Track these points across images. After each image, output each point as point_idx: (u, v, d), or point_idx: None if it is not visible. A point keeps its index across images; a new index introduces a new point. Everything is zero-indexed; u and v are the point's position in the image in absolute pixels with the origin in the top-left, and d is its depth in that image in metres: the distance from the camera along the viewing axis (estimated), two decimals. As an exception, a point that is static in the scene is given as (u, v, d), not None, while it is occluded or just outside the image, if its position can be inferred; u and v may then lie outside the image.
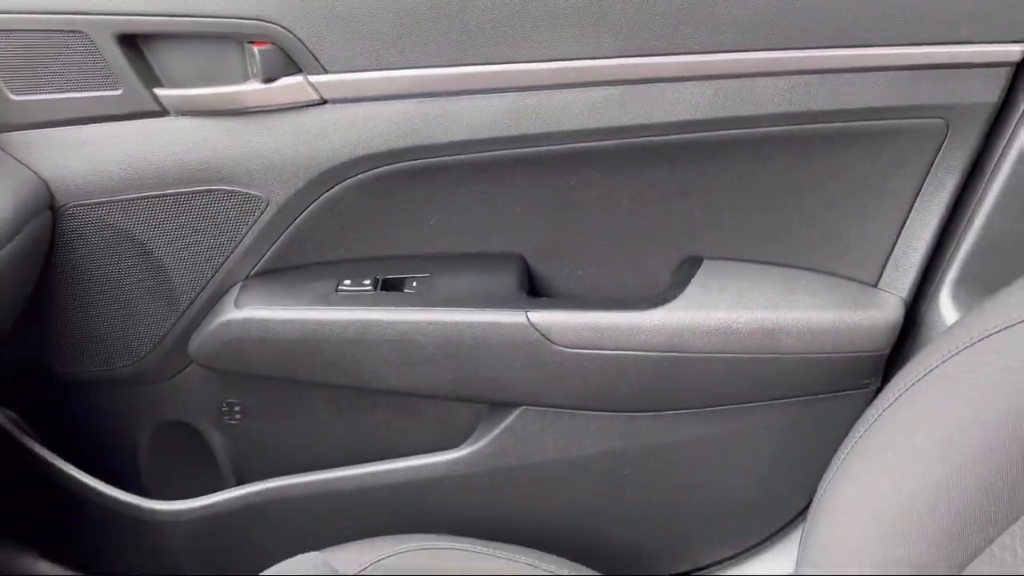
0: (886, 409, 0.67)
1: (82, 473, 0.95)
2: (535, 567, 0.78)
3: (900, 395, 0.66)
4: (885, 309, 0.81)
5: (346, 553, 0.77)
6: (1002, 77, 0.71)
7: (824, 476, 0.71)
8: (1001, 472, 0.58)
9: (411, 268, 0.86)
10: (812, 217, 0.81)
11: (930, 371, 0.64)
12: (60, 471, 0.96)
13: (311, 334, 0.83)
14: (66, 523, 1.01)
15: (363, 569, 0.75)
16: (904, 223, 0.79)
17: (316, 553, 0.77)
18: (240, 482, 0.97)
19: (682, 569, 1.00)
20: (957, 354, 0.62)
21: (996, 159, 0.75)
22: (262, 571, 0.74)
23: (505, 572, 0.77)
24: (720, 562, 0.99)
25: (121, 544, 1.00)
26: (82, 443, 0.97)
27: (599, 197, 0.82)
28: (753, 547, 0.98)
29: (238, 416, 0.95)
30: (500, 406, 0.90)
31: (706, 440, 0.88)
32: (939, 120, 0.74)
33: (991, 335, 0.60)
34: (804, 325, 0.80)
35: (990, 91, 0.72)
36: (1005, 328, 0.60)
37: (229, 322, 0.83)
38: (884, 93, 0.73)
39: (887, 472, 0.66)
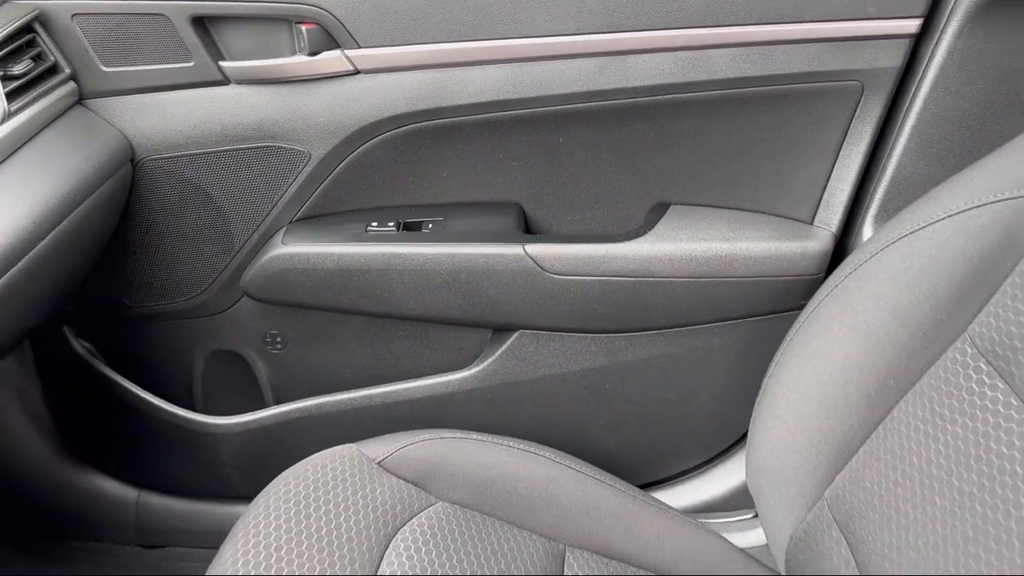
0: (813, 311, 0.83)
1: (148, 394, 1.11)
2: (532, 452, 0.93)
3: (823, 299, 0.82)
4: (818, 240, 0.97)
5: (374, 444, 0.93)
6: (904, 46, 0.88)
7: (766, 374, 0.86)
8: (897, 351, 0.73)
9: (427, 214, 1.03)
10: (757, 166, 0.97)
11: (846, 278, 0.80)
12: (129, 392, 1.12)
13: (346, 265, 0.99)
14: (130, 441, 1.17)
15: (389, 455, 0.90)
16: (832, 169, 0.96)
17: (349, 444, 0.92)
18: (279, 402, 1.13)
19: (656, 478, 1.16)
20: (865, 263, 0.78)
21: (903, 113, 0.91)
22: None
23: (506, 456, 0.93)
24: (688, 471, 1.15)
25: (178, 456, 1.16)
26: (146, 369, 1.13)
27: (583, 151, 0.98)
28: (715, 457, 1.14)
29: (279, 346, 1.11)
30: (501, 331, 1.06)
31: (672, 357, 1.04)
32: (856, 82, 0.90)
33: (890, 246, 0.76)
34: (751, 254, 0.96)
35: (895, 58, 0.88)
36: (899, 240, 0.76)
37: (278, 256, 1.00)
38: (811, 60, 0.89)
39: (813, 359, 0.82)
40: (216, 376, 1.13)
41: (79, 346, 1.11)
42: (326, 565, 0.77)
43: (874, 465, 0.74)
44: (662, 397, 1.07)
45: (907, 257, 0.75)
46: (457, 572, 0.80)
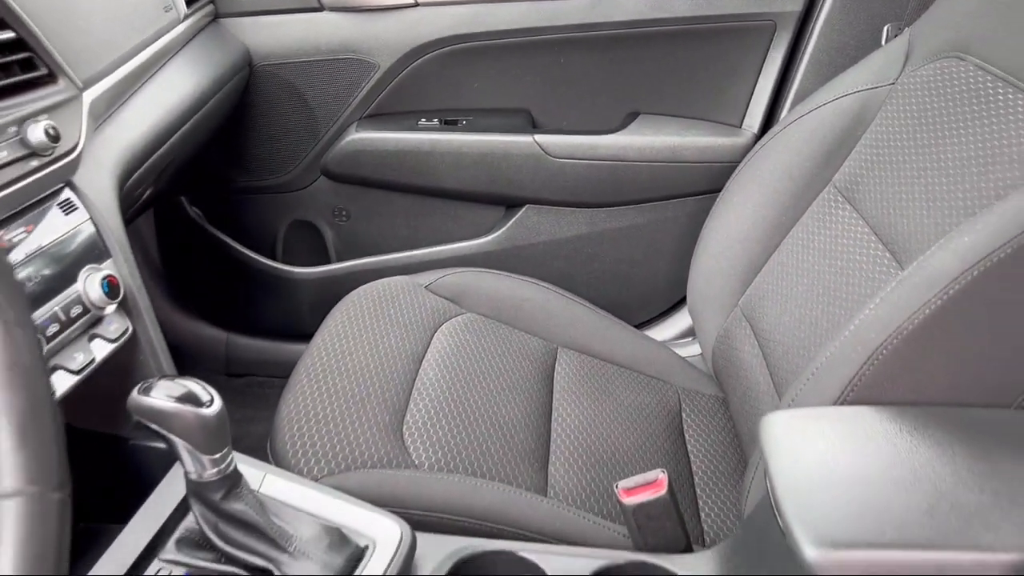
0: (735, 177, 1.16)
1: (244, 248, 1.43)
2: (535, 283, 1.25)
3: (742, 167, 1.15)
4: (744, 137, 1.32)
5: (421, 275, 1.25)
6: (804, -5, 1.22)
7: (703, 226, 1.19)
8: (788, 197, 1.07)
9: (462, 114, 1.37)
10: (701, 84, 1.32)
11: (756, 152, 1.13)
12: (230, 247, 1.44)
13: (402, 148, 1.33)
14: (225, 291, 1.49)
15: (432, 282, 1.22)
16: (754, 87, 1.30)
17: (403, 276, 1.24)
18: (341, 260, 1.45)
19: (632, 324, 1.48)
20: (770, 140, 1.11)
21: (804, 44, 1.25)
22: None
23: (517, 284, 1.25)
24: (649, 320, 1.48)
25: (263, 300, 1.48)
26: (242, 231, 1.45)
27: (577, 70, 1.32)
28: (669, 309, 1.47)
29: (344, 218, 1.43)
30: (512, 207, 1.39)
31: (638, 227, 1.38)
32: (770, 22, 1.25)
33: (786, 127, 1.10)
34: (696, 146, 1.31)
35: (797, 4, 1.24)
36: (792, 123, 1.09)
37: (352, 140, 1.33)
38: (740, 4, 1.24)
39: (733, 208, 1.15)
40: (294, 240, 1.46)
41: (192, 212, 1.43)
42: (396, 336, 1.09)
43: (771, 274, 1.08)
44: (630, 259, 1.40)
45: (796, 133, 1.09)
46: (483, 349, 1.12)
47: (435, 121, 1.35)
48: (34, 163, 0.72)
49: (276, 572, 0.66)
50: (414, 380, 1.02)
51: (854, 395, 0.70)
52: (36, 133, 0.67)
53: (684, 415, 1.13)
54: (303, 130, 1.35)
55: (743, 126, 1.33)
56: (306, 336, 1.52)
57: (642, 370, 1.20)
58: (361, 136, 1.33)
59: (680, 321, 1.46)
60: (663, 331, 1.47)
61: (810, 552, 0.54)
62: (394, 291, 1.20)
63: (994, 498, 0.57)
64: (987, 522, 0.55)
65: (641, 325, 1.48)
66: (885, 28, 1.16)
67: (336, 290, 1.45)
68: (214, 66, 1.20)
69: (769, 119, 1.32)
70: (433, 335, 1.13)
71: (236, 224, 1.46)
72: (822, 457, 0.62)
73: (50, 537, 0.33)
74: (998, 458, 0.62)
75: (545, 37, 1.28)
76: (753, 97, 1.31)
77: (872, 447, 0.63)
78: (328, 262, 1.48)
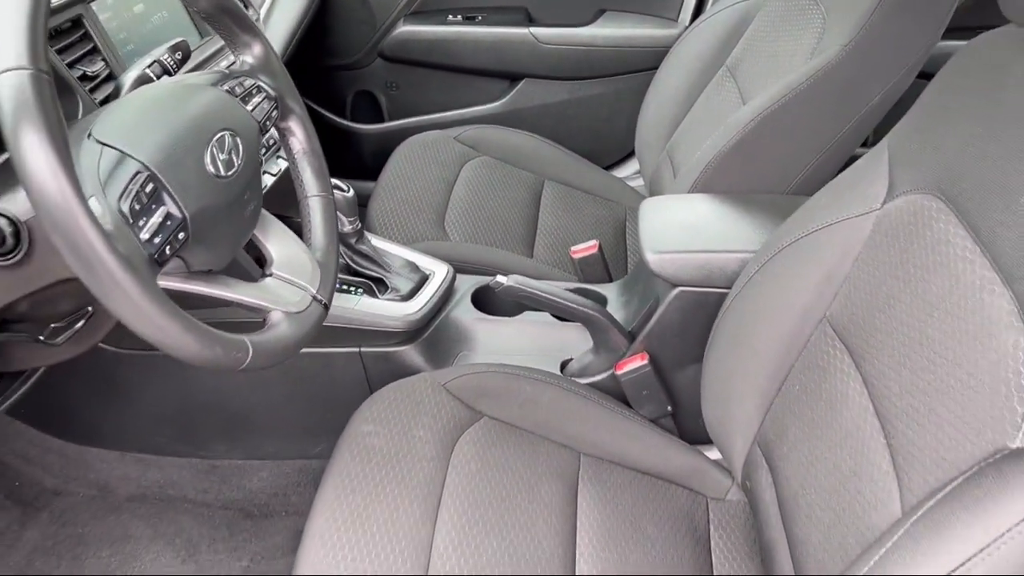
0: (666, 59, 1.64)
1: (324, 110, 1.95)
2: (531, 136, 1.76)
3: (673, 50, 1.62)
4: (678, 28, 1.80)
5: (451, 130, 1.75)
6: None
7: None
8: (702, 67, 1.55)
9: (478, 12, 1.84)
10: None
11: (683, 39, 1.60)
12: (314, 109, 1.95)
13: (436, 37, 1.84)
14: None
15: (459, 134, 1.73)
16: (685, -10, 1.77)
17: (438, 131, 1.75)
18: (392, 120, 1.97)
19: (600, 165, 2.00)
20: (691, 31, 1.58)
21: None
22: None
23: (517, 138, 1.75)
24: (614, 163, 2.00)
25: (337, 146, 2.00)
26: (321, 98, 1.96)
27: (559, -20, 1.79)
28: (626, 157, 1.99)
29: (395, 88, 1.93)
30: (515, 80, 1.88)
31: (603, 94, 1.88)
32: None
33: (704, 21, 1.57)
34: (644, 35, 1.79)
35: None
36: (707, 18, 1.56)
37: (401, 31, 1.84)
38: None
39: (663, 81, 1.64)
40: (359, 104, 1.98)
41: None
42: (436, 171, 1.61)
43: (686, 125, 1.57)
44: (599, 117, 1.92)
45: (706, 27, 1.57)
46: (493, 181, 1.64)
47: (459, 17, 1.84)
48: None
49: (385, 280, 1.22)
50: (449, 195, 1.56)
51: (696, 190, 1.24)
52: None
53: (627, 224, 1.67)
54: (365, 24, 1.84)
55: (678, 20, 1.80)
56: (369, 174, 2.06)
57: (602, 195, 1.73)
58: (407, 29, 1.82)
59: (635, 163, 1.97)
60: (622, 171, 1.99)
61: (649, 256, 1.09)
62: (432, 141, 1.71)
63: (746, 228, 1.11)
64: (735, 238, 1.09)
65: (608, 167, 2.00)
66: (770, -47, 1.61)
67: (390, 141, 1.96)
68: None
69: (697, 14, 1.78)
70: (460, 170, 1.65)
71: (317, 92, 1.96)
72: (667, 215, 1.16)
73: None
74: (759, 211, 1.15)
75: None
76: (685, 2, 1.78)
77: (695, 211, 1.17)
78: (383, 121, 1.99)
